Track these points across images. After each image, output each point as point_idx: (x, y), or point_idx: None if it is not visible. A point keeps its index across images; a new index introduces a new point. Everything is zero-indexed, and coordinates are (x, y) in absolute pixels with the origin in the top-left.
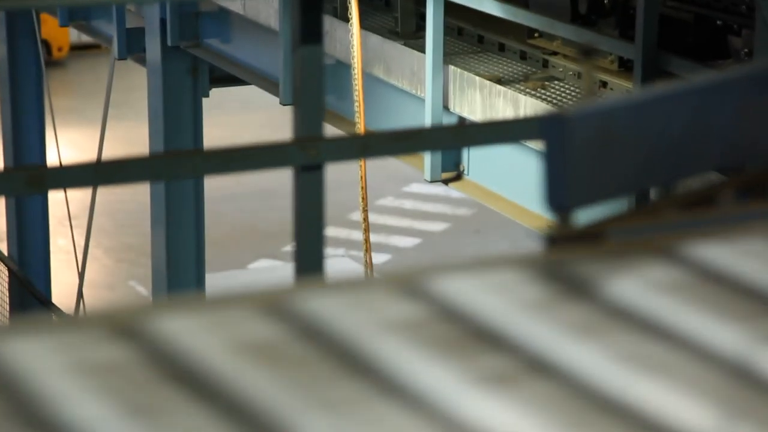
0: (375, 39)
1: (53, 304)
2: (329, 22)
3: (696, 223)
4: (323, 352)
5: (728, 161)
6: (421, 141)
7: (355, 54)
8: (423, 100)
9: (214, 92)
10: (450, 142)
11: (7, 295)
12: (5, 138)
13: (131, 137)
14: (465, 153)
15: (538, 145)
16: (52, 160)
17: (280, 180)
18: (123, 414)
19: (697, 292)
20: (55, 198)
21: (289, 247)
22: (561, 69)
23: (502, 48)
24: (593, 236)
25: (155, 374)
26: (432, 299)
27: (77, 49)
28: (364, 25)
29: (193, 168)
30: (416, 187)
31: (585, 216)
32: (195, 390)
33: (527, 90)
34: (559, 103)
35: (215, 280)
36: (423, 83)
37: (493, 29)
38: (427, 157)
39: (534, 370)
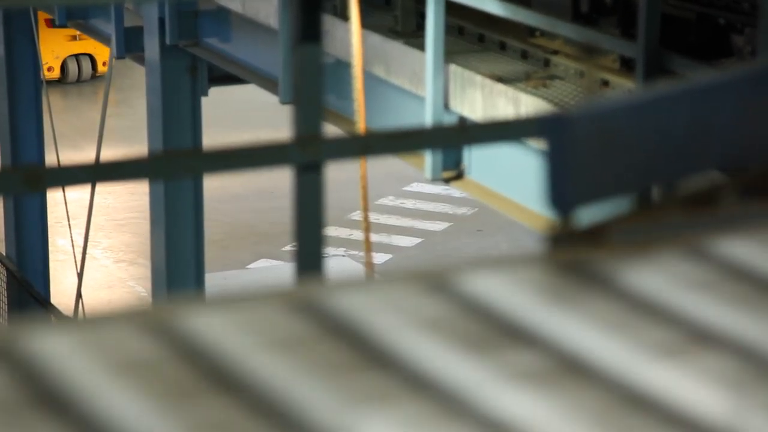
0: (375, 38)
1: (52, 304)
2: (329, 21)
3: (699, 222)
4: (353, 349)
5: (730, 160)
6: (421, 140)
7: (355, 53)
8: (423, 99)
9: (213, 91)
10: (451, 141)
11: (6, 295)
12: (3, 137)
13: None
14: (466, 152)
15: (539, 144)
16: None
17: (280, 180)
18: (155, 408)
19: (723, 288)
20: (54, 198)
21: (289, 247)
22: (562, 68)
23: (503, 47)
24: (596, 235)
25: (187, 371)
26: (458, 296)
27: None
28: (364, 24)
29: (192, 167)
30: (417, 187)
31: (587, 215)
32: (225, 385)
33: (528, 89)
34: (561, 102)
35: (215, 280)
36: (423, 82)
37: (494, 28)
38: (427, 157)
39: (564, 366)
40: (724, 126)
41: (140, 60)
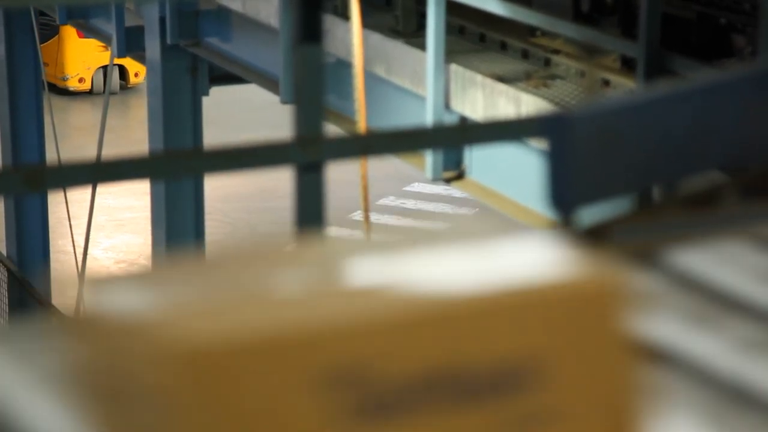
0: (376, 37)
1: (52, 304)
2: (330, 21)
3: (700, 222)
4: None
5: (731, 160)
6: (422, 140)
7: (356, 52)
8: (424, 99)
9: (214, 91)
10: (452, 141)
11: (6, 296)
12: (3, 137)
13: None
14: (467, 152)
15: (540, 144)
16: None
17: (280, 180)
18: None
19: None
20: (55, 198)
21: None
22: (563, 67)
23: (503, 46)
24: (597, 235)
25: None
26: (667, 270)
27: None
28: (364, 24)
29: (193, 167)
30: (418, 187)
31: (588, 215)
32: None
33: (529, 89)
34: (562, 102)
35: None
36: (424, 82)
37: (494, 28)
38: (428, 157)
39: None
40: (724, 126)
41: (141, 60)
